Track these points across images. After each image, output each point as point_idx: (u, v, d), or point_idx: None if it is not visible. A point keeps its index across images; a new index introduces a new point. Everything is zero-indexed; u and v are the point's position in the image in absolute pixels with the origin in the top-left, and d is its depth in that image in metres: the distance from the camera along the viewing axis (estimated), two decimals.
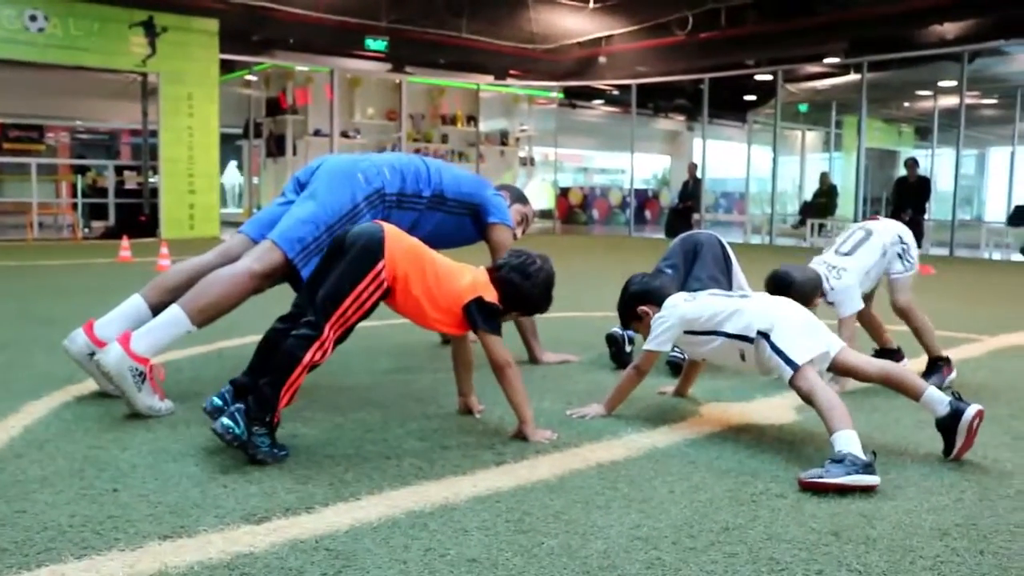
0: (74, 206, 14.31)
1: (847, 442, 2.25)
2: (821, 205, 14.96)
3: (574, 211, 23.08)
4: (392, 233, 2.55)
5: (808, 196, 17.04)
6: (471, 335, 2.73)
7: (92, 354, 2.96)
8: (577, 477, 2.30)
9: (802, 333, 2.58)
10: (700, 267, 3.91)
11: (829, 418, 2.33)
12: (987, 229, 13.38)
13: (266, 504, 2.06)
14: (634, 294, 3.01)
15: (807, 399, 2.46)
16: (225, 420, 2.26)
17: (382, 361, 3.79)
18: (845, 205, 15.82)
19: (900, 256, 3.47)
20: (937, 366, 3.44)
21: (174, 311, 2.90)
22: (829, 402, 2.37)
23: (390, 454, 2.47)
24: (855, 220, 13.37)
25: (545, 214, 22.36)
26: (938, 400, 2.48)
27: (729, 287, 3.95)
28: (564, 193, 22.65)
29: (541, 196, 22.62)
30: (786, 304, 2.71)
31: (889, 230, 3.50)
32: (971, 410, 2.42)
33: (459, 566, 1.75)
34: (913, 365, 3.71)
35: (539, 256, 2.76)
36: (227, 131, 15.22)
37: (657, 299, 2.93)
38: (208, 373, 3.51)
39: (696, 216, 14.91)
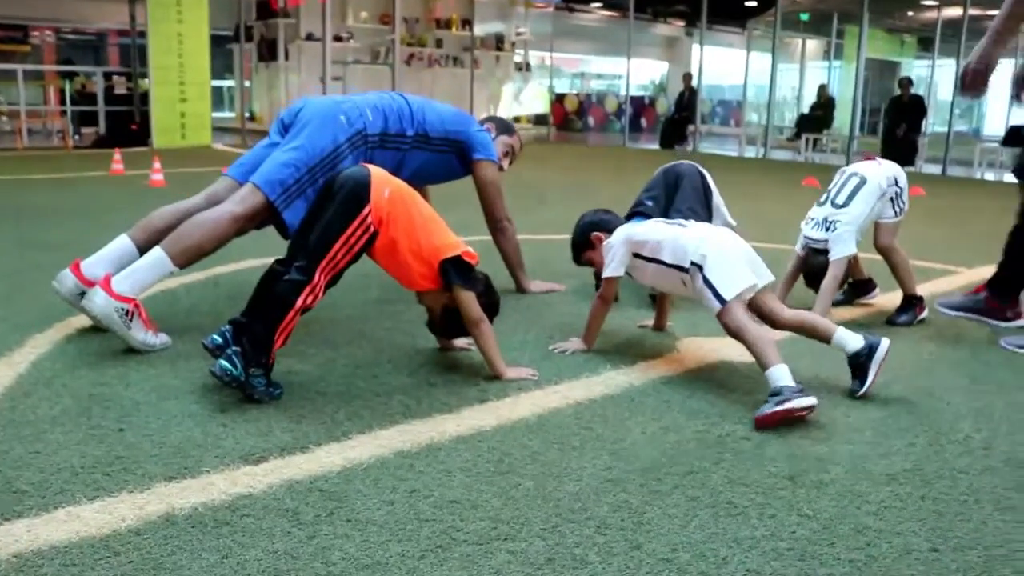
0: (63, 112, 14.16)
1: (780, 376, 2.42)
2: (818, 118, 14.86)
3: (569, 118, 22.89)
4: (378, 176, 2.62)
5: (806, 107, 16.92)
6: None
7: (82, 294, 3.06)
8: (555, 416, 2.44)
9: (733, 266, 2.68)
10: (680, 199, 3.99)
11: (761, 355, 2.49)
12: (982, 148, 13.30)
13: (263, 444, 2.20)
14: (587, 223, 3.19)
15: (735, 335, 2.59)
16: (223, 363, 2.38)
17: (373, 290, 3.90)
18: (843, 116, 15.70)
19: (892, 200, 3.54)
20: (911, 304, 3.56)
21: (156, 253, 2.99)
22: (758, 339, 2.52)
23: (379, 391, 2.61)
24: (851, 133, 13.33)
25: (540, 119, 22.18)
26: (850, 338, 2.63)
27: (708, 217, 4.04)
28: (560, 99, 22.42)
29: (537, 101, 22.42)
30: (722, 234, 2.81)
31: (886, 172, 3.55)
32: (884, 344, 2.60)
33: (442, 508, 1.90)
34: (885, 299, 3.84)
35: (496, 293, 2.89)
36: (217, 33, 14.95)
37: (608, 227, 3.09)
38: (205, 302, 3.62)
39: (691, 127, 14.82)
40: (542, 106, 21.91)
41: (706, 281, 2.65)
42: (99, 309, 2.85)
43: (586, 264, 3.27)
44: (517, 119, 23.91)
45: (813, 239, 3.51)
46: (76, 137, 13.74)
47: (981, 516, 1.89)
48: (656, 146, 15.79)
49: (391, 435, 2.28)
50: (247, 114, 16.46)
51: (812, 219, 3.55)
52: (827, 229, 3.44)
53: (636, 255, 2.90)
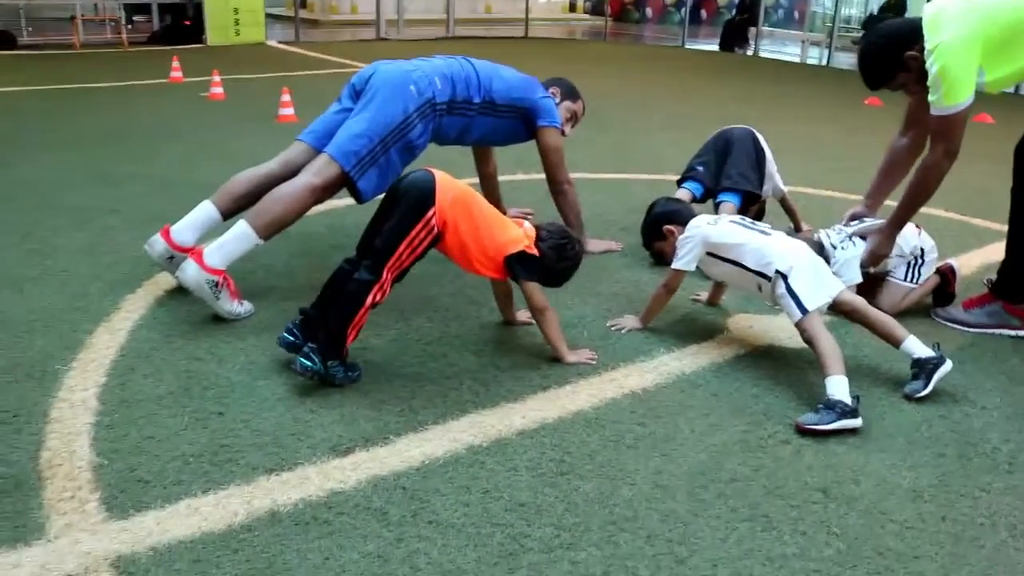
0: (117, 5, 14.22)
1: (838, 387, 2.59)
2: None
3: (627, 8, 22.32)
4: (442, 181, 2.78)
5: (876, 4, 16.29)
6: None
7: (171, 257, 3.32)
8: (612, 408, 2.66)
9: (815, 280, 2.85)
10: (731, 164, 4.09)
11: (826, 363, 2.66)
12: None
13: (348, 433, 2.46)
14: (659, 214, 3.32)
15: (809, 342, 2.77)
16: (303, 361, 2.63)
17: None
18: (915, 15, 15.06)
19: (910, 265, 3.46)
20: (946, 293, 3.55)
21: (242, 227, 3.20)
22: (829, 349, 2.69)
23: (449, 373, 2.85)
24: None
25: (597, 8, 21.67)
26: (920, 346, 2.79)
27: (760, 182, 4.14)
28: None
29: None
30: (803, 248, 2.94)
31: (917, 240, 3.47)
32: (949, 364, 2.75)
33: (512, 511, 2.15)
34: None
35: (577, 243, 3.02)
36: None
37: (681, 220, 3.20)
38: (278, 260, 3.84)
39: (753, 29, 14.42)
40: None
41: (790, 290, 2.81)
42: (191, 280, 3.09)
43: (655, 253, 3.40)
44: (573, 6, 23.39)
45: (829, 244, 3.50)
46: (129, 27, 13.84)
47: (995, 543, 2.08)
48: (715, 47, 15.43)
49: (462, 427, 2.52)
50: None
51: (829, 233, 3.54)
52: (839, 243, 3.44)
53: (710, 253, 3.04)
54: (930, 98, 2.99)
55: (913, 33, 3.01)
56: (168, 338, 3.05)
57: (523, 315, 3.23)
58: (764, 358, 3.07)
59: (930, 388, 2.73)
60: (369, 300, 2.68)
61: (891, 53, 3.09)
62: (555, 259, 2.92)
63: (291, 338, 2.81)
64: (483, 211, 2.85)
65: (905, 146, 3.50)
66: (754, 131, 4.25)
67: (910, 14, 14.42)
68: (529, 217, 4.49)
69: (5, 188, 4.89)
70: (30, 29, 13.49)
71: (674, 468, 2.36)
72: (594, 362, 2.95)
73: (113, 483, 2.21)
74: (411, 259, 2.75)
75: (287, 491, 2.20)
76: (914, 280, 3.49)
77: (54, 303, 3.32)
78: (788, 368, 2.98)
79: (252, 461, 2.32)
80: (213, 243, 3.19)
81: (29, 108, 7.51)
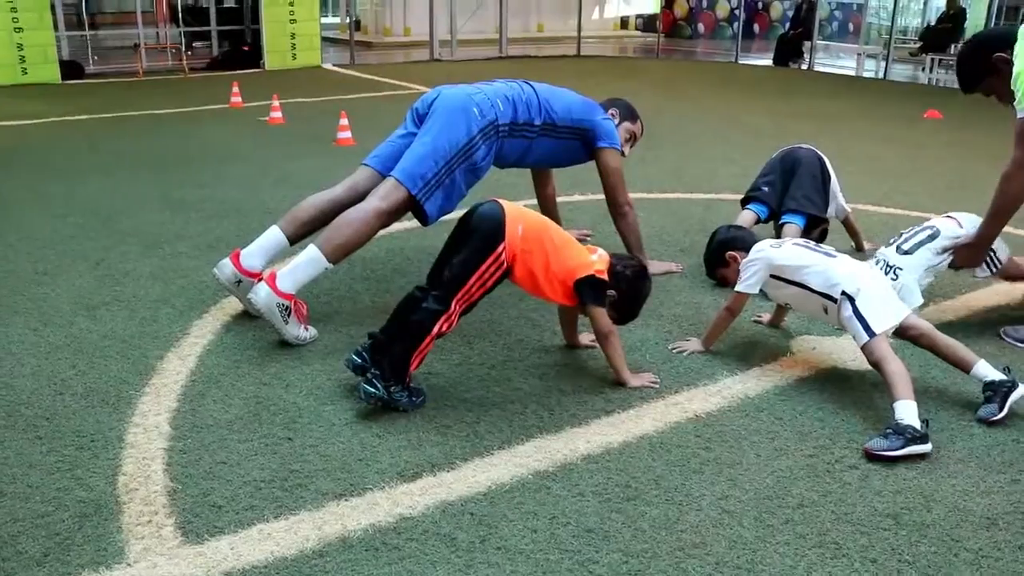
0: (178, 32, 14.64)
1: (906, 412, 2.55)
2: (945, 32, 14.03)
3: (678, 24, 22.28)
4: (511, 214, 2.81)
5: (933, 10, 16.04)
6: None
7: (239, 282, 3.39)
8: (676, 433, 2.65)
9: (883, 303, 2.81)
10: (797, 186, 4.06)
11: (895, 387, 2.62)
12: None
13: (415, 459, 2.49)
14: (722, 241, 3.32)
15: (876, 365, 2.74)
16: (366, 387, 2.68)
17: None
18: (975, 27, 14.77)
19: (987, 261, 3.39)
20: None
21: (312, 252, 3.26)
22: (896, 372, 2.66)
23: (513, 398, 2.87)
24: None
25: (649, 24, 21.68)
26: (992, 370, 2.74)
27: (824, 206, 4.10)
28: (669, 4, 21.80)
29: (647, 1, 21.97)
30: (870, 271, 2.91)
31: (963, 232, 3.38)
32: (1023, 389, 2.68)
33: (580, 537, 2.15)
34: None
35: (648, 278, 3.07)
36: None
37: (743, 245, 3.20)
38: (342, 285, 3.90)
39: (807, 43, 14.26)
40: (651, 5, 21.48)
41: (856, 313, 2.79)
42: (263, 303, 3.16)
43: (719, 280, 3.40)
44: (625, 23, 23.39)
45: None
46: (188, 53, 14.21)
47: None
48: (769, 62, 15.30)
49: (528, 451, 2.54)
50: (350, 21, 16.56)
51: (878, 258, 3.47)
52: (891, 275, 3.36)
53: (775, 276, 3.03)
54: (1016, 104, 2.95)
55: (1006, 37, 2.99)
56: (236, 363, 3.12)
57: (586, 338, 3.25)
58: (828, 381, 3.03)
59: (1005, 412, 2.67)
60: (436, 330, 2.72)
61: (981, 55, 3.09)
62: (627, 290, 2.94)
63: (358, 360, 2.85)
64: (553, 238, 2.87)
65: None
66: (820, 153, 4.21)
67: (969, 23, 14.17)
68: (587, 238, 4.51)
69: (77, 214, 5.06)
70: (96, 58, 13.93)
71: (740, 493, 2.34)
72: (657, 386, 2.95)
73: (188, 508, 2.27)
74: (480, 292, 2.79)
75: (357, 516, 2.23)
76: (995, 269, 3.44)
77: (126, 328, 3.42)
78: (853, 391, 2.95)
79: (322, 487, 2.37)
80: (285, 267, 3.26)
81: (97, 135, 7.75)
